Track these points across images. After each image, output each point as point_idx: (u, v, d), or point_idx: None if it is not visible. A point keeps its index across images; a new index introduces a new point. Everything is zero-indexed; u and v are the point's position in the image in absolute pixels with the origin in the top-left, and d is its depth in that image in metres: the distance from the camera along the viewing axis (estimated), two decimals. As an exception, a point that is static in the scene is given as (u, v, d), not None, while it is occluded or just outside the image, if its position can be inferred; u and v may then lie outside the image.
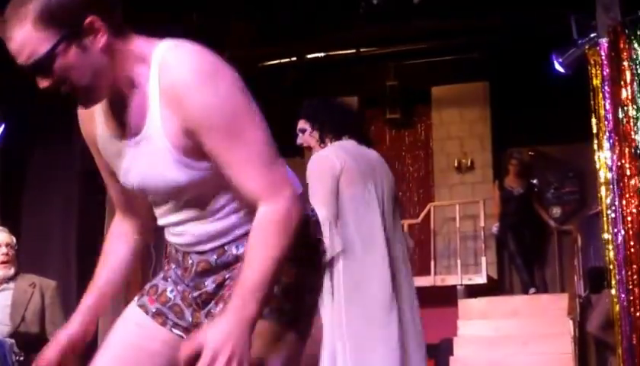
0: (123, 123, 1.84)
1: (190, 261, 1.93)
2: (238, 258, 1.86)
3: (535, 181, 8.90)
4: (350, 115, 4.01)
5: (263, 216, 1.75)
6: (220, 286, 1.90)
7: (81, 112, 1.95)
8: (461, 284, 8.31)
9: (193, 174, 1.80)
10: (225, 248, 1.89)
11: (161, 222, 1.96)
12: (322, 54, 8.27)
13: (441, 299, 8.29)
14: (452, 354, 7.42)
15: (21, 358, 4.41)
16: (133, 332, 1.99)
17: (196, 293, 1.93)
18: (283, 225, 1.74)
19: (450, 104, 9.33)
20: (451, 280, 8.49)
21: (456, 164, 9.25)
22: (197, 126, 1.73)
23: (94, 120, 1.92)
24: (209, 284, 1.91)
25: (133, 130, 1.82)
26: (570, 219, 8.84)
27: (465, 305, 8.03)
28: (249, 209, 1.82)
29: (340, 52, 8.36)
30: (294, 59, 8.01)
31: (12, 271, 4.78)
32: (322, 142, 3.77)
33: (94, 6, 1.72)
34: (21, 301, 4.66)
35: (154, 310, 1.98)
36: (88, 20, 1.71)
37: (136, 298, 2.03)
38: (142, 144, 1.81)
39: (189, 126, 1.73)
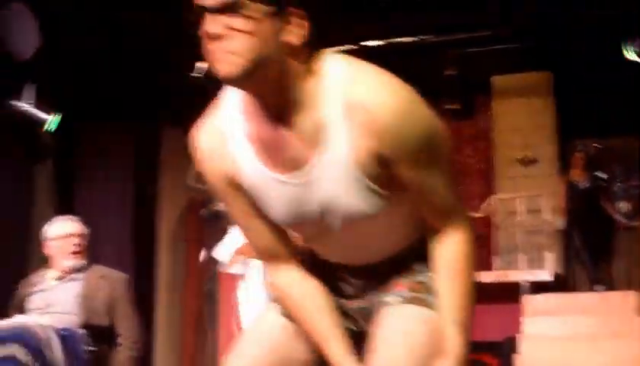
0: (286, 152, 1.66)
1: (345, 276, 1.93)
2: (390, 275, 1.90)
3: (601, 175, 8.59)
4: None
5: (458, 247, 1.79)
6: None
7: (210, 149, 1.76)
8: (525, 280, 8.04)
9: (378, 203, 1.69)
10: (381, 270, 1.90)
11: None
12: (382, 42, 8.04)
13: (504, 295, 8.05)
14: (516, 352, 7.15)
15: (92, 349, 4.34)
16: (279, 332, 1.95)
17: (354, 305, 1.95)
18: (474, 254, 1.83)
19: (512, 94, 9.05)
20: (514, 276, 8.22)
21: (518, 156, 8.98)
22: (397, 155, 1.62)
23: (230, 156, 1.73)
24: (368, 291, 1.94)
25: (303, 157, 1.65)
26: (638, 214, 8.54)
27: (530, 302, 7.73)
28: (407, 242, 1.87)
29: (400, 39, 8.12)
30: (353, 46, 7.78)
31: (83, 262, 4.70)
32: None
33: (309, 3, 1.62)
34: (91, 293, 4.58)
35: None
36: (298, 9, 1.60)
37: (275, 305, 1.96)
38: (319, 171, 1.66)
39: (386, 153, 1.61)
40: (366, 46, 8.06)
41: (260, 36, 1.56)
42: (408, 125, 1.61)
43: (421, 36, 8.20)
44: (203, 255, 5.97)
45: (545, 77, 8.96)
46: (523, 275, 8.13)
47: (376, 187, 1.67)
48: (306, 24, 1.61)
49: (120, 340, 4.57)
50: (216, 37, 1.56)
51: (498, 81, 9.20)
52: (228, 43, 1.56)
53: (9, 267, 6.98)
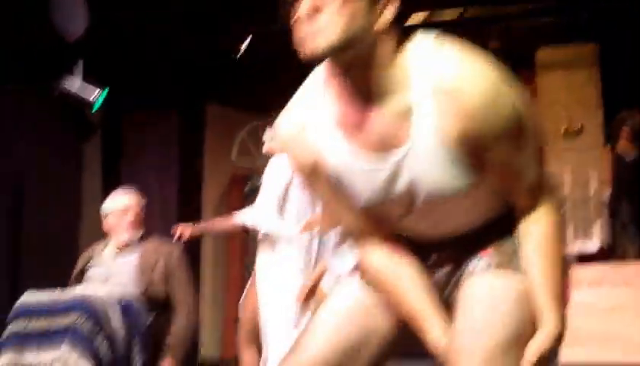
0: (373, 134, 1.66)
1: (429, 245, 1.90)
2: (475, 242, 1.86)
3: (649, 146, 8.48)
4: None
5: (548, 222, 1.78)
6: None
7: (293, 137, 1.77)
8: (571, 253, 8.00)
9: (466, 182, 1.69)
10: (466, 239, 1.87)
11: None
12: (425, 15, 8.00)
13: (550, 267, 8.01)
14: (562, 323, 7.10)
15: (150, 320, 4.42)
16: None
17: (439, 274, 1.92)
18: (564, 229, 1.85)
19: (557, 67, 8.95)
20: (561, 248, 8.18)
21: (563, 129, 8.89)
22: (486, 137, 1.63)
23: (314, 143, 1.74)
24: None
25: (391, 139, 1.66)
26: (686, 187, 8.42)
27: (576, 273, 7.68)
28: (492, 214, 1.83)
29: (444, 13, 8.07)
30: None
31: (140, 233, 4.74)
32: None
33: None
34: (148, 264, 4.63)
35: None
36: None
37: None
38: (407, 153, 1.66)
39: (474, 135, 1.62)
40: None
41: (349, 14, 1.56)
42: (495, 108, 1.61)
43: (465, 10, 8.14)
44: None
45: (590, 49, 8.85)
46: (569, 247, 8.08)
47: (464, 167, 1.66)
48: (395, 3, 1.64)
49: (176, 310, 4.59)
50: (306, 17, 1.57)
51: (543, 54, 9.10)
52: (317, 22, 1.56)
53: (60, 242, 7.09)
